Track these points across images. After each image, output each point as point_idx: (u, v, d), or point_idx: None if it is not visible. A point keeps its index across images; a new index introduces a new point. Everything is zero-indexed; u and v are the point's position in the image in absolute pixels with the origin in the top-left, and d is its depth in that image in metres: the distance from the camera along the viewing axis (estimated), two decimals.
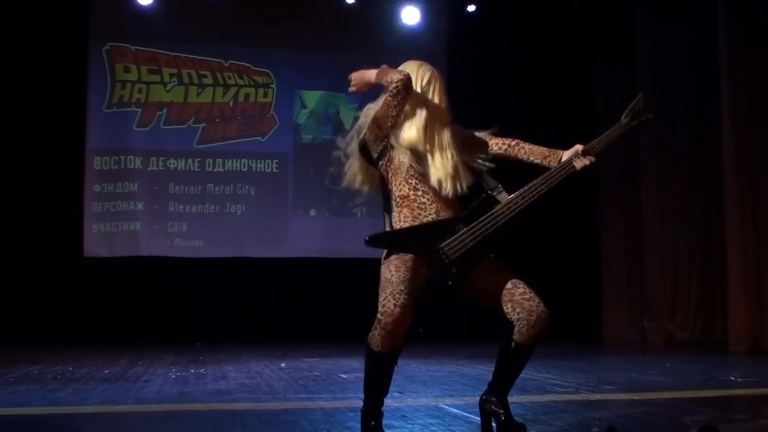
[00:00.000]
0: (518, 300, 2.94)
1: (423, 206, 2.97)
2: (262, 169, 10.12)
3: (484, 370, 5.84)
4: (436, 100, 3.08)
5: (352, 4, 10.02)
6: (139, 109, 9.89)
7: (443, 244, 2.89)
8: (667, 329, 9.33)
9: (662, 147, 9.48)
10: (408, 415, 3.78)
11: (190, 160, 9.95)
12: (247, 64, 10.19)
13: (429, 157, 3.01)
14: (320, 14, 10.16)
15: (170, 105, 9.97)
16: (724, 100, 8.41)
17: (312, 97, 10.34)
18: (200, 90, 10.06)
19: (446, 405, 4.13)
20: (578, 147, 3.08)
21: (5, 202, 9.25)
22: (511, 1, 10.22)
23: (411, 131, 3.03)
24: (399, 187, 3.02)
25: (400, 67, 3.11)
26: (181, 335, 9.24)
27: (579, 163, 3.05)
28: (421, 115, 3.04)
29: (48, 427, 3.61)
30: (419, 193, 2.98)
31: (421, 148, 3.01)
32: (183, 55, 10.02)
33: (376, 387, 2.93)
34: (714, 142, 8.87)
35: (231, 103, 10.14)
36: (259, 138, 10.18)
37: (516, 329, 2.97)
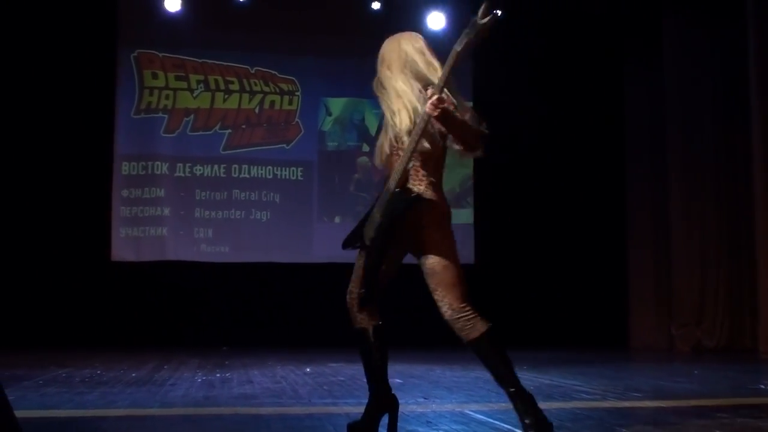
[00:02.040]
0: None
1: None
2: (287, 177, 10.16)
3: None
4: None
5: (377, 10, 10.05)
6: (167, 116, 9.98)
7: (364, 229, 3.23)
8: (695, 336, 9.23)
9: (689, 152, 9.39)
10: (433, 421, 3.77)
11: (216, 167, 10.01)
12: (273, 71, 10.25)
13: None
14: (345, 21, 10.20)
15: (197, 111, 10.05)
16: (754, 104, 8.32)
17: (337, 104, 10.37)
18: (226, 96, 10.13)
19: (471, 411, 4.12)
20: (427, 92, 3.01)
21: (35, 206, 9.37)
22: (537, 4, 10.19)
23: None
24: None
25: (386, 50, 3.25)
26: (207, 339, 9.29)
27: (426, 107, 2.95)
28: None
29: (76, 430, 3.64)
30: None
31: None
32: (210, 61, 10.10)
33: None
34: (743, 146, 8.78)
35: (256, 110, 10.20)
36: (284, 145, 10.22)
37: None
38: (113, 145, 9.77)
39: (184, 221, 9.86)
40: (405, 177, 3.08)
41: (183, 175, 9.92)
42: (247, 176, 10.06)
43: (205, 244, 9.86)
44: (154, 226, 9.79)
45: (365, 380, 3.27)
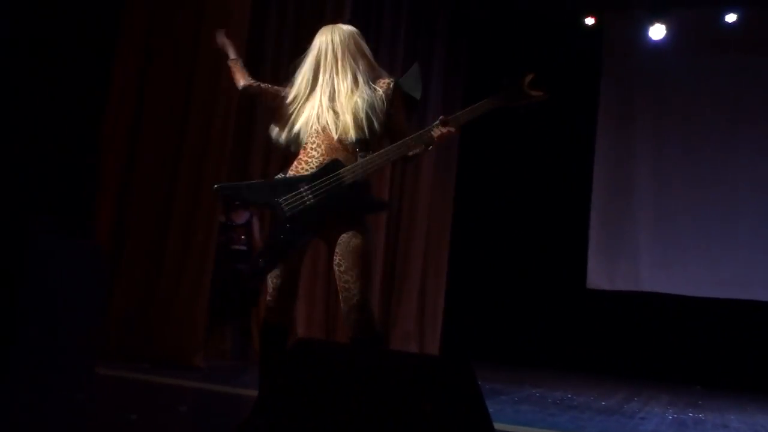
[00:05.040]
0: (340, 287, 2.92)
1: (309, 161, 3.01)
2: None
3: None
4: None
5: None
6: None
7: (283, 198, 2.94)
8: None
9: None
10: None
11: None
12: None
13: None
14: None
15: None
16: None
17: None
18: None
19: None
20: (441, 117, 2.97)
21: (524, 232, 9.99)
22: None
23: None
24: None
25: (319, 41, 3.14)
26: (678, 376, 8.96)
27: (436, 131, 2.94)
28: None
29: None
30: (312, 146, 3.04)
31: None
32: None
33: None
34: None
35: None
36: None
37: None
38: (591, 174, 9.92)
39: (661, 251, 9.61)
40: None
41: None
42: None
43: (680, 278, 9.50)
44: (629, 256, 9.70)
45: None
